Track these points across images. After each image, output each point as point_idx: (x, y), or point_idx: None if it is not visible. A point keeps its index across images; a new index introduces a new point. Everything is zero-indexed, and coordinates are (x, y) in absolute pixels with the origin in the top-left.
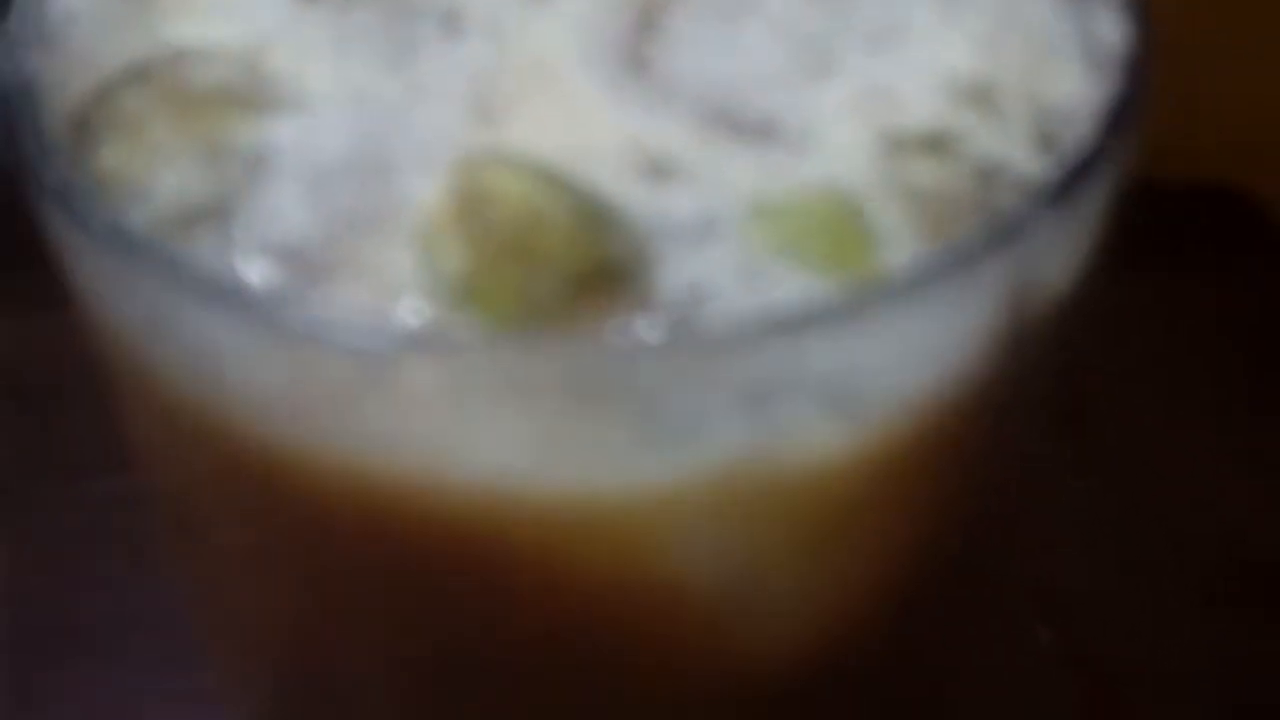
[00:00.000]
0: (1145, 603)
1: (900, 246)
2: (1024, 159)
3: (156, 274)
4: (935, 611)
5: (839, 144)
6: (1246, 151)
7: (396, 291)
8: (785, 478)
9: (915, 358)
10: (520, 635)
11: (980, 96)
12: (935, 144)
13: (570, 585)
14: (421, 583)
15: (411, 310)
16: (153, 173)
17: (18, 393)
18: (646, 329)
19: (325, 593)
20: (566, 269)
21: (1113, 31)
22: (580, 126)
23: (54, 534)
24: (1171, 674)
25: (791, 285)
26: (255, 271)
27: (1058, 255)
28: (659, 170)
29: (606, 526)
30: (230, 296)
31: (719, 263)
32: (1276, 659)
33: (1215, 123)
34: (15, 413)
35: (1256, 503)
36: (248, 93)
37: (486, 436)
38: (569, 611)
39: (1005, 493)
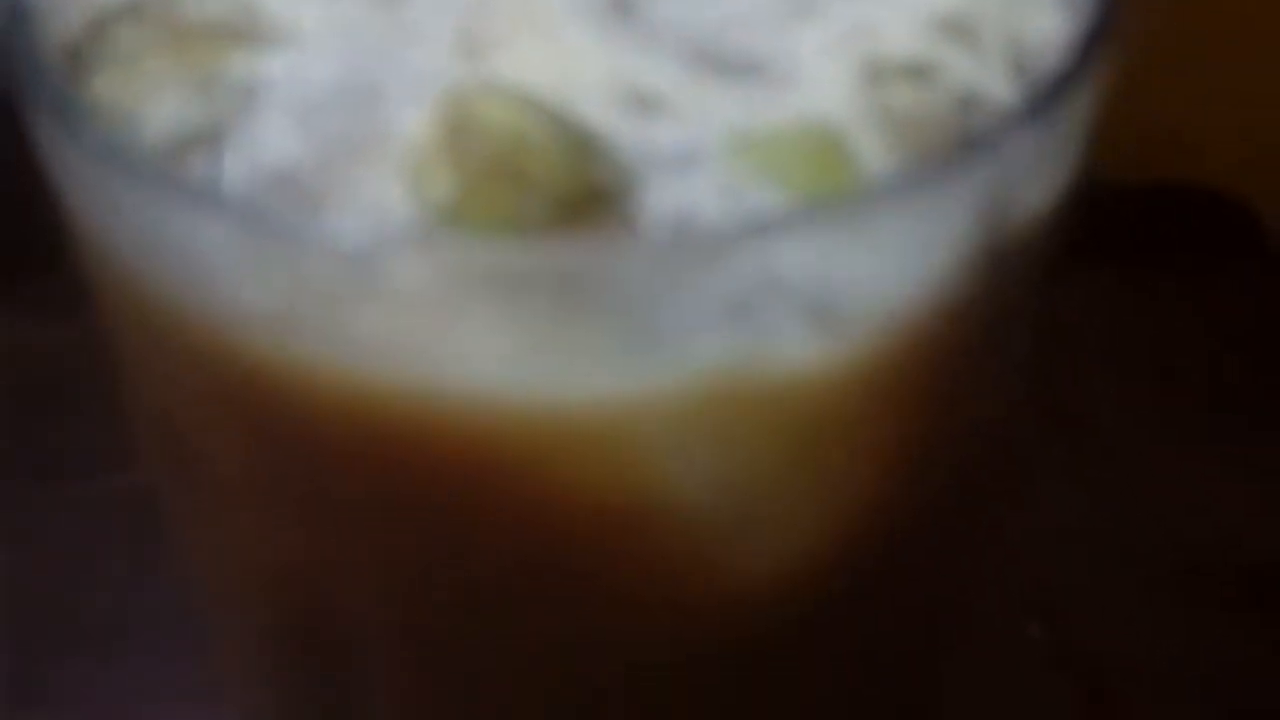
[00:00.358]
0: (1139, 604)
1: (881, 171)
2: (1001, 89)
3: (150, 184)
4: (925, 537)
5: (821, 79)
6: (1237, 157)
7: (386, 216)
8: (768, 389)
9: (893, 269)
10: (507, 556)
11: (960, 31)
12: (915, 73)
13: (556, 501)
14: (411, 502)
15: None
16: (145, 101)
17: (19, 392)
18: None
19: (318, 520)
20: (553, 192)
21: None
22: (566, 63)
23: (55, 532)
24: (1165, 675)
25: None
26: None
27: (1034, 174)
28: (644, 104)
29: (592, 436)
30: (223, 203)
31: (703, 189)
32: (1270, 661)
33: (1206, 128)
34: (16, 411)
35: (1252, 506)
36: (240, 27)
37: (473, 342)
38: (555, 530)
39: (991, 417)
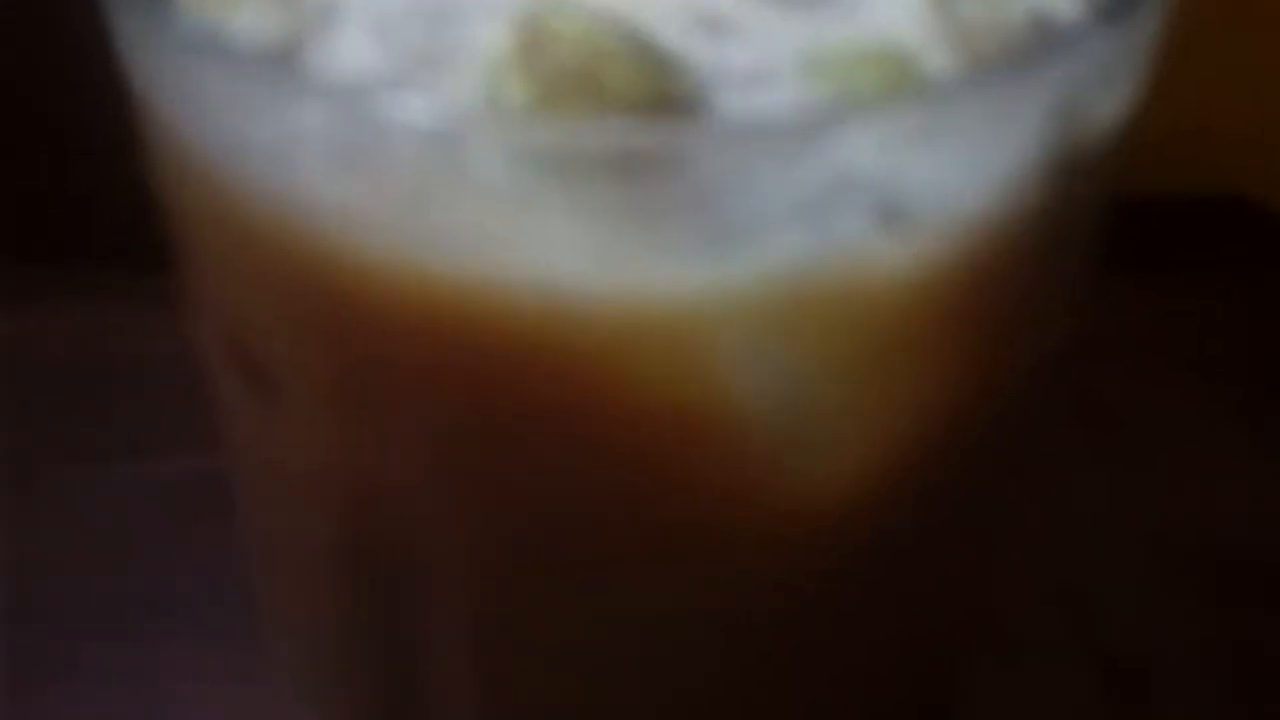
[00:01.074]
0: (1166, 597)
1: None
2: (1071, 8)
3: (239, 70)
4: (991, 456)
5: (890, 2)
6: (1260, 161)
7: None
8: (839, 290)
9: (963, 172)
10: (580, 457)
11: None
12: None
13: (628, 399)
14: (485, 404)
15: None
16: (226, 13)
17: (61, 375)
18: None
19: (392, 429)
20: (628, 101)
21: None
22: None
23: (83, 517)
24: (1191, 668)
25: None
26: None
27: (1104, 83)
28: (715, 27)
29: (664, 332)
30: (312, 86)
31: (775, 104)
32: None
33: (1230, 133)
34: (56, 395)
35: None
36: None
37: (550, 234)
38: (626, 430)
39: (1051, 345)
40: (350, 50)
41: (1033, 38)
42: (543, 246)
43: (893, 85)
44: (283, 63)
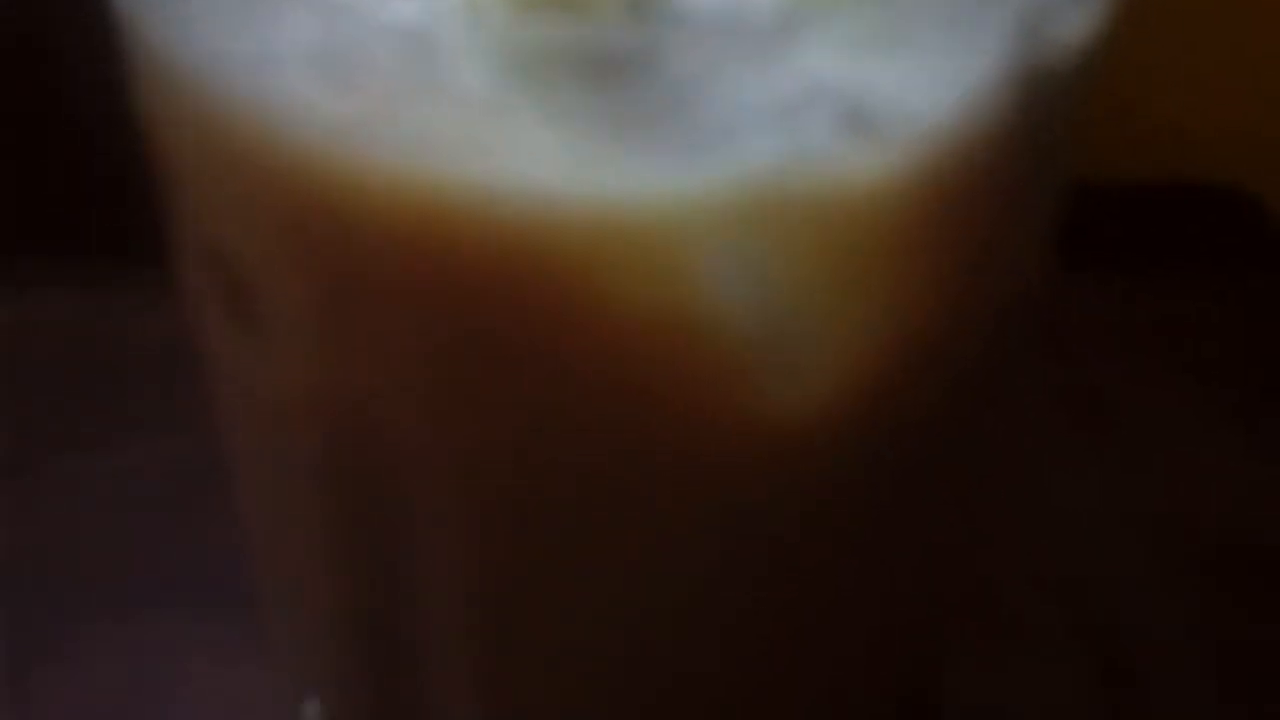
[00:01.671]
0: (1158, 584)
1: None
2: None
3: None
4: (968, 390)
5: None
6: (1249, 152)
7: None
8: (810, 197)
9: (933, 80)
10: (555, 368)
11: None
12: None
13: (602, 307)
14: (462, 313)
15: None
16: None
17: (57, 359)
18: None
19: (371, 344)
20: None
21: None
22: None
23: (81, 501)
24: (1184, 654)
25: None
26: None
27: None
28: None
29: (635, 242)
30: None
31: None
32: None
33: (1219, 124)
34: (54, 378)
35: (1274, 490)
36: None
37: (522, 140)
38: (601, 340)
39: (1027, 274)
40: None
41: None
42: (519, 153)
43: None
44: None
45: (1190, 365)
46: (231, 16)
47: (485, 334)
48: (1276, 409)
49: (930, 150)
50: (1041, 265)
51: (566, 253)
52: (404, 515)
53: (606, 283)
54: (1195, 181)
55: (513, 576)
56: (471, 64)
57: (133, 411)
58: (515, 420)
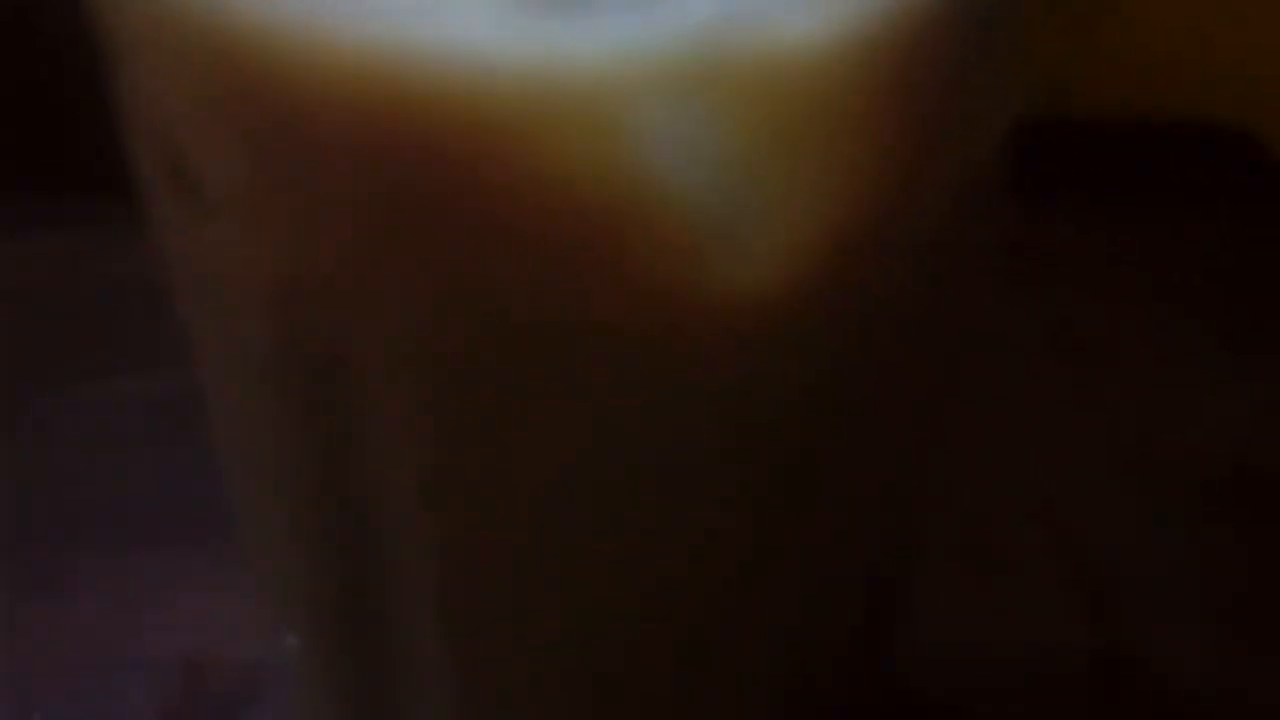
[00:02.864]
0: (1146, 516)
1: None
2: None
3: None
4: (924, 277)
5: None
6: (1251, 92)
7: None
8: (754, 57)
9: None
10: (499, 249)
11: None
12: None
13: (541, 182)
14: (397, 192)
15: None
16: None
17: (45, 293)
18: None
19: (308, 224)
20: None
21: None
22: None
23: (76, 435)
24: (1171, 586)
25: None
26: None
27: None
28: None
29: (573, 105)
30: None
31: None
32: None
33: (1221, 63)
34: (42, 313)
35: (1259, 422)
36: None
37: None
38: (542, 218)
39: (981, 158)
40: None
41: None
42: (446, 10)
43: None
44: None
45: (1179, 296)
46: None
47: (421, 202)
48: (1266, 339)
49: (875, 9)
50: (1000, 159)
51: (501, 117)
52: (356, 401)
53: (542, 148)
54: (1190, 119)
55: (467, 465)
56: None
57: (128, 345)
58: (457, 301)
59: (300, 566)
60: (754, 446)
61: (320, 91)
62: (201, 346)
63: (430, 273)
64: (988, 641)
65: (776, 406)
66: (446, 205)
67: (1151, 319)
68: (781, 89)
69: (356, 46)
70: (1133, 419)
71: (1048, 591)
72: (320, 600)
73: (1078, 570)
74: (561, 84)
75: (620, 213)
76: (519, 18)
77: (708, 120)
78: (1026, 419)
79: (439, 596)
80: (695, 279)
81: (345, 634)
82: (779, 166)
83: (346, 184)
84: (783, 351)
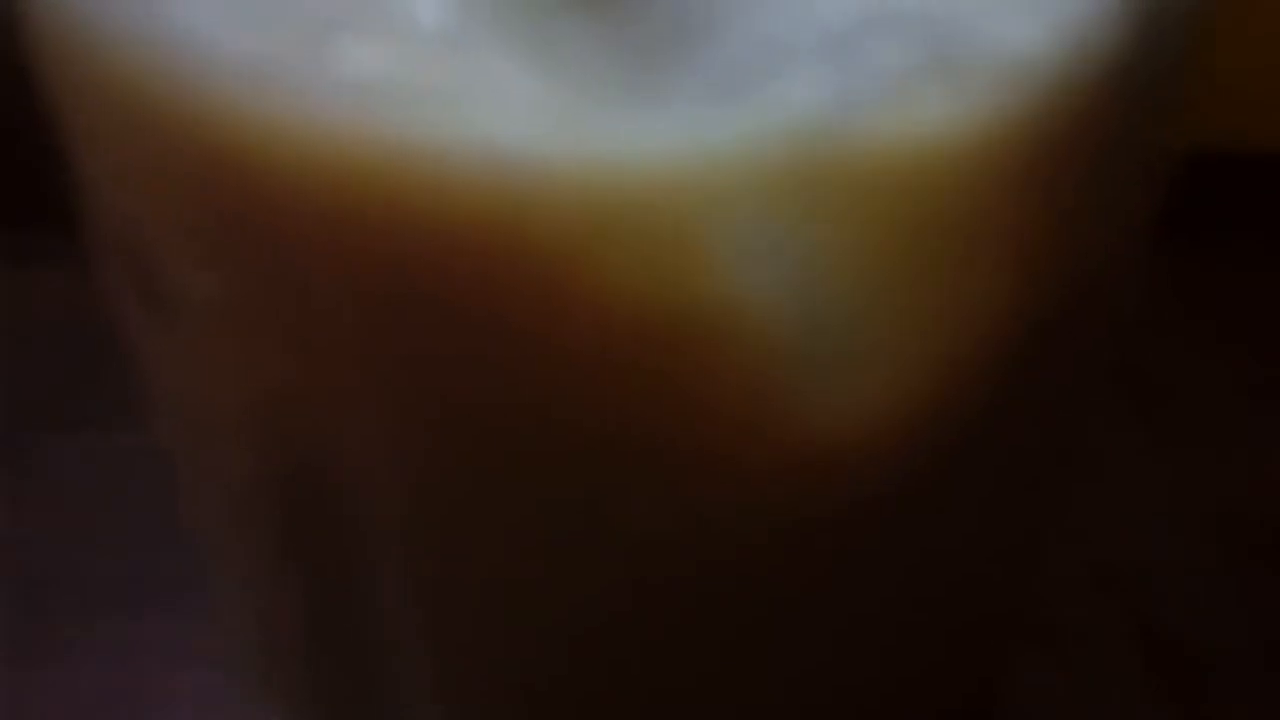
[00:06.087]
0: (1220, 578)
1: None
2: None
3: None
4: (1040, 393)
5: None
6: None
7: None
8: (873, 154)
9: (1033, 5)
10: (529, 379)
11: None
12: None
13: (588, 304)
14: (409, 305)
15: None
16: None
17: (45, 339)
18: None
19: (304, 340)
20: None
21: None
22: None
23: (66, 488)
24: (1247, 650)
25: None
26: None
27: None
28: None
29: (641, 216)
30: None
31: None
32: None
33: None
34: (40, 360)
35: None
36: None
37: (489, 85)
38: (598, 344)
39: (1122, 246)
40: None
41: None
42: (485, 102)
43: None
44: None
45: (1249, 345)
46: None
47: (442, 330)
48: None
49: (1028, 94)
50: (1135, 248)
51: (550, 232)
52: (345, 532)
53: (601, 270)
54: (1256, 151)
55: (482, 606)
56: None
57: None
58: (479, 434)
59: (286, 656)
60: (822, 590)
61: (305, 195)
62: (181, 469)
63: (433, 392)
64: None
65: (848, 540)
66: (471, 336)
67: (1224, 369)
68: (899, 190)
69: (357, 140)
70: (1208, 478)
71: (1109, 654)
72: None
73: (1141, 632)
74: (625, 191)
75: (691, 345)
76: (573, 108)
77: (808, 233)
78: (1095, 465)
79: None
80: (776, 419)
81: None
82: (894, 287)
83: (337, 307)
84: (869, 487)
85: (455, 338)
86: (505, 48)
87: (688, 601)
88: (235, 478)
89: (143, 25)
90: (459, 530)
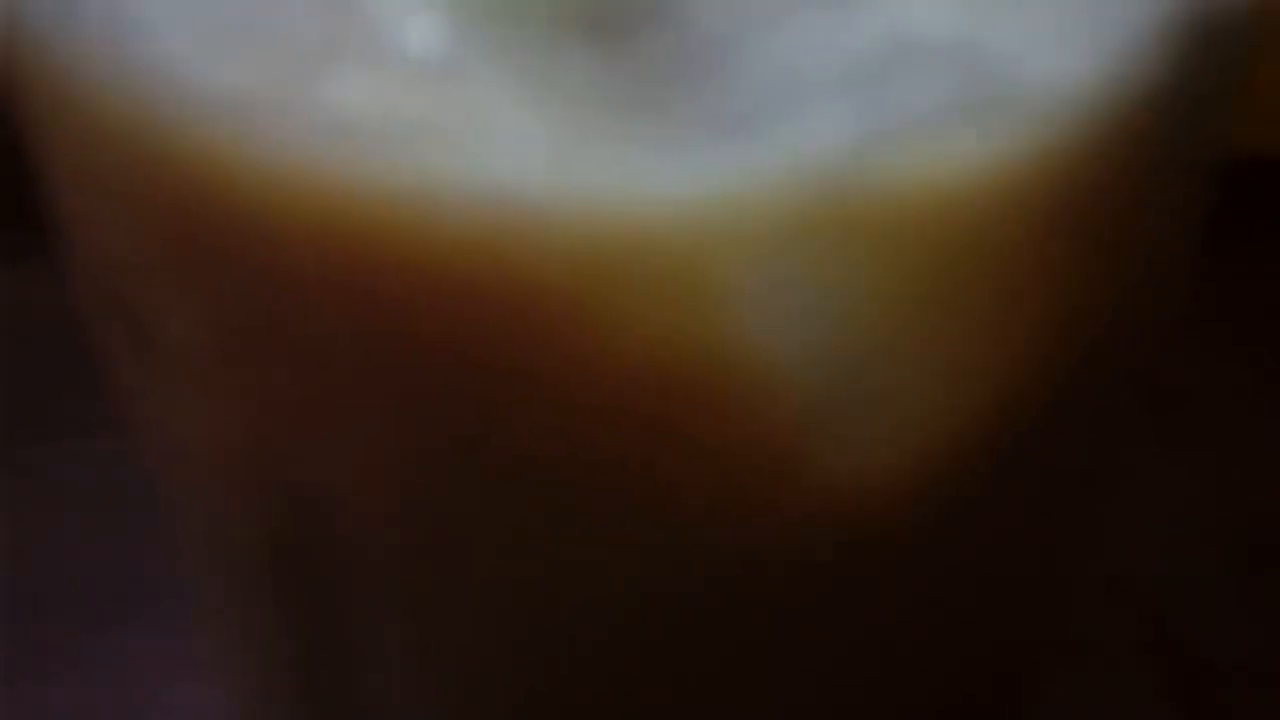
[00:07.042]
0: (1241, 590)
1: None
2: None
3: None
4: (1084, 434)
5: None
6: None
7: None
8: (898, 195)
9: (1067, 39)
10: (532, 435)
11: None
12: None
13: (599, 356)
14: (404, 356)
15: None
16: None
17: (33, 345)
18: None
19: (292, 386)
20: None
21: None
22: None
23: (65, 489)
24: (1269, 665)
25: None
26: None
27: None
28: None
29: (651, 262)
30: None
31: None
32: None
33: None
34: (18, 367)
35: None
36: None
37: (488, 124)
38: (606, 395)
39: (1175, 263)
40: None
41: None
42: (479, 138)
43: None
44: None
45: (1265, 349)
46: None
47: (433, 372)
48: None
49: (1062, 131)
50: (1176, 273)
51: (553, 278)
52: (340, 576)
53: (609, 317)
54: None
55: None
56: (418, 15)
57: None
58: (481, 490)
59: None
60: (842, 643)
61: (289, 239)
62: (167, 504)
63: (425, 434)
64: None
65: (876, 596)
66: (468, 385)
67: (1246, 375)
68: (924, 233)
69: (344, 181)
70: (1224, 489)
71: (1131, 671)
72: None
73: (1164, 649)
74: (635, 234)
75: (706, 396)
76: (579, 149)
77: (832, 277)
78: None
79: None
80: (794, 473)
81: None
82: (923, 335)
83: (325, 359)
84: (897, 540)
85: (447, 380)
86: (501, 80)
87: (691, 645)
88: (217, 512)
89: (122, 58)
90: (453, 575)
